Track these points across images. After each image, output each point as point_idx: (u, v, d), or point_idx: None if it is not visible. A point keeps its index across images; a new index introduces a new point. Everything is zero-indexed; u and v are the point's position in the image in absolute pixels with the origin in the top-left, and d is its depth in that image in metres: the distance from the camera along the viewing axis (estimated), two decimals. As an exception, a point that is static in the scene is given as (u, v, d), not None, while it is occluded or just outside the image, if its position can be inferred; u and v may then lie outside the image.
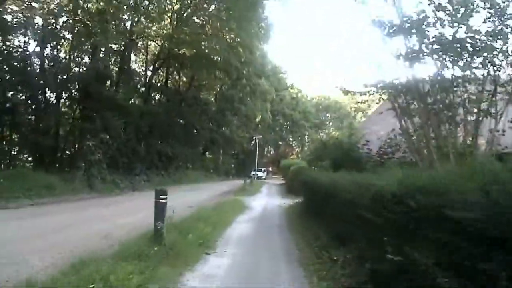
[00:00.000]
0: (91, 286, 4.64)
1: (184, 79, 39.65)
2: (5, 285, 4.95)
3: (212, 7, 30.63)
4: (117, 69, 28.20)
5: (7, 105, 20.69)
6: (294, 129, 62.97)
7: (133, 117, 27.37)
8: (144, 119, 29.43)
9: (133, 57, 32.74)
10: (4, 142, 22.41)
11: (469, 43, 7.34)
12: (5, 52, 20.85)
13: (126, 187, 22.81)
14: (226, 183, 38.37)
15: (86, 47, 25.63)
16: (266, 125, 55.68)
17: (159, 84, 35.32)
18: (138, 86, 32.56)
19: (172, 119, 34.31)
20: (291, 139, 74.99)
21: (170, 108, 34.68)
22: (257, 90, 42.48)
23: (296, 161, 39.22)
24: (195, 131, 37.99)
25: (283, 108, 60.28)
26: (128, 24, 27.77)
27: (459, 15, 7.58)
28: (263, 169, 62.08)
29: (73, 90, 25.23)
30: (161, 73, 35.54)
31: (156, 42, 32.22)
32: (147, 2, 27.11)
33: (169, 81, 36.82)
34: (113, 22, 25.59)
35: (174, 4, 29.24)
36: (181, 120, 36.49)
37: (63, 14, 23.51)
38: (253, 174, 56.69)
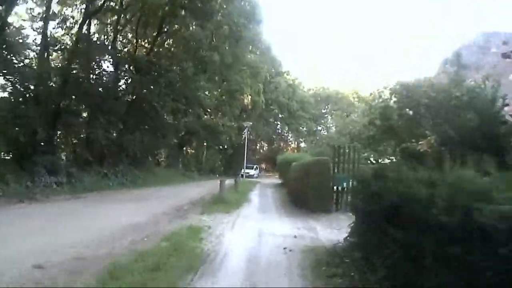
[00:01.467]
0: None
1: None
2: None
3: None
4: None
5: None
6: (291, 120, 54.73)
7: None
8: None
9: None
10: None
11: None
12: None
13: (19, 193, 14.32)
14: (206, 184, 30.20)
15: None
16: (257, 112, 47.56)
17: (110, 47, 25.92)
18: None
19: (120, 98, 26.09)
20: (286, 132, 66.90)
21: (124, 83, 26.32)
22: (242, 37, 30.49)
23: (300, 154, 31.04)
24: (163, 115, 29.44)
25: (278, 96, 52.15)
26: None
27: None
28: (255, 166, 54.02)
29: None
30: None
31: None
32: None
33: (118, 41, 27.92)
34: None
35: None
36: (134, 97, 27.38)
37: None
38: (244, 172, 49.59)
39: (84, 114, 24.48)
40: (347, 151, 13.92)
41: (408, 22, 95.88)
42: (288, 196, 20.68)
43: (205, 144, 41.28)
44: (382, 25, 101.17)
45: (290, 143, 72.48)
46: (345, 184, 12.85)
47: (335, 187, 13.41)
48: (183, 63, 28.22)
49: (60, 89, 20.07)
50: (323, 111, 67.72)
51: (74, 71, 22.03)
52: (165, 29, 28.16)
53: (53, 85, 20.55)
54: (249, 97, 36.43)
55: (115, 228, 8.83)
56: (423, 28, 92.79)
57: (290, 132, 63.59)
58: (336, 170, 13.54)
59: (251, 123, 30.49)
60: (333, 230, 9.24)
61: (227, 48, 29.67)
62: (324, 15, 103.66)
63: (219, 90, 37.31)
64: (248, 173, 51.13)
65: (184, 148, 45.34)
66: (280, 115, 53.73)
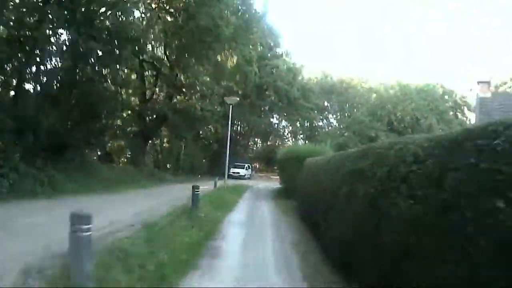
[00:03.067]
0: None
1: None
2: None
3: None
4: None
5: None
6: (291, 110, 45.25)
7: None
8: None
9: None
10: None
11: None
12: None
13: None
14: (172, 191, 20.81)
15: None
16: (249, 88, 37.83)
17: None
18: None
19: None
20: (283, 128, 57.56)
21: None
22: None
23: (313, 147, 21.26)
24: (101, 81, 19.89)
25: (275, 81, 42.73)
26: None
27: None
28: (246, 165, 44.68)
29: None
30: None
31: None
32: None
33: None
34: None
35: None
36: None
37: None
38: (232, 172, 40.17)
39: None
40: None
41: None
42: (303, 220, 11.41)
43: (184, 137, 31.78)
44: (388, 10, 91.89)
45: (286, 139, 63.22)
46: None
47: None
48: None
49: None
50: (326, 104, 58.31)
51: None
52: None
53: None
54: (234, 58, 26.25)
55: None
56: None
57: (288, 124, 54.06)
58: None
59: (237, 98, 20.59)
60: None
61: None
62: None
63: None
64: (238, 173, 41.88)
65: (154, 141, 35.90)
66: (277, 105, 44.07)
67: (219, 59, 25.38)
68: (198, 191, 11.69)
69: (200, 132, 40.40)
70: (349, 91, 58.49)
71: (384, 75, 57.83)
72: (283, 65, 45.25)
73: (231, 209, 14.46)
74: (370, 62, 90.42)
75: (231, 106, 20.27)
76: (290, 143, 64.16)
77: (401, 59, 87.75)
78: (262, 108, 44.97)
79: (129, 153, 32.31)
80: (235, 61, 25.73)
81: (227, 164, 21.02)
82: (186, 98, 29.52)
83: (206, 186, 20.66)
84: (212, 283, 5.74)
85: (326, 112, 60.02)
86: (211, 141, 40.48)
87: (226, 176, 20.34)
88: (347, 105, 59.45)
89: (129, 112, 29.27)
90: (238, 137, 51.49)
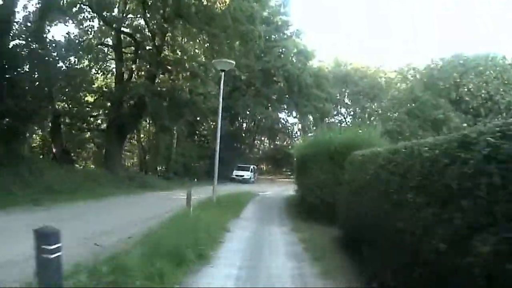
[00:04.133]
0: None
1: None
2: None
3: None
4: None
5: None
6: (302, 101, 38.19)
7: None
8: None
9: None
10: None
11: None
12: None
13: None
14: (136, 205, 14.27)
15: None
16: (254, 75, 30.94)
17: None
18: None
19: None
20: (293, 120, 50.33)
21: None
22: None
23: (357, 134, 13.86)
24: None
25: (284, 65, 35.82)
26: None
27: None
28: (251, 167, 37.94)
29: None
30: None
31: None
32: None
33: None
34: None
35: None
36: None
37: None
38: (236, 175, 36.01)
39: None
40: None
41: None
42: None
43: (168, 128, 24.87)
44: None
45: (296, 138, 56.22)
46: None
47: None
48: None
49: None
50: (338, 96, 51.17)
51: None
52: None
53: None
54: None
55: None
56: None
57: (298, 122, 46.97)
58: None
59: (232, 62, 13.42)
60: None
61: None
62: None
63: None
64: (242, 176, 35.38)
65: (138, 135, 29.28)
66: (286, 93, 36.81)
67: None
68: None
69: (196, 131, 33.70)
70: (365, 80, 51.69)
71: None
72: (293, 48, 38.39)
73: (225, 231, 8.23)
74: (379, 41, 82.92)
75: (222, 74, 13.40)
76: (300, 141, 57.46)
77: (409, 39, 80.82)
78: (269, 99, 37.89)
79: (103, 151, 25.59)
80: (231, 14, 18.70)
81: (217, 164, 14.09)
82: (172, 77, 22.70)
83: (194, 196, 14.16)
84: None
85: (338, 106, 53.23)
86: (209, 138, 33.71)
87: (214, 183, 13.27)
88: (361, 96, 52.39)
89: (99, 97, 22.63)
90: (242, 134, 44.78)
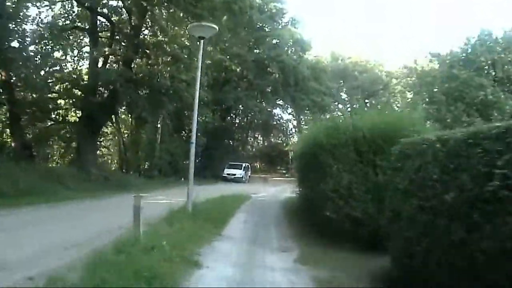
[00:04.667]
0: None
1: None
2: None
3: None
4: None
5: None
6: (299, 94, 35.30)
7: None
8: None
9: None
10: None
11: None
12: None
13: None
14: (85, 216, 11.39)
15: None
16: (247, 65, 28.14)
17: None
18: None
19: None
20: (288, 117, 47.55)
21: None
22: None
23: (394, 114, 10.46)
24: None
25: (279, 55, 32.99)
26: None
27: None
28: (243, 165, 35.10)
29: None
30: None
31: None
32: None
33: None
34: None
35: None
36: None
37: None
38: (227, 174, 33.59)
39: None
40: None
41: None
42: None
43: (146, 122, 21.89)
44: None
45: (291, 136, 53.48)
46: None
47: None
48: None
49: None
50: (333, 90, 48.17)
51: None
52: None
53: None
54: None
55: None
56: None
57: (293, 118, 44.01)
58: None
59: (215, 27, 10.71)
60: None
61: None
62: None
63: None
64: (233, 175, 32.76)
65: (119, 130, 26.34)
66: (281, 85, 33.76)
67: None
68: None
69: (184, 125, 30.71)
70: (364, 75, 49.15)
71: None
72: (289, 38, 35.54)
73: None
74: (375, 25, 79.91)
75: (201, 45, 10.43)
76: (295, 139, 54.76)
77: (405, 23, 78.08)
78: (263, 92, 34.93)
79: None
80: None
81: (192, 159, 11.13)
82: (150, 62, 19.80)
83: (171, 201, 11.50)
84: None
85: (336, 102, 50.48)
86: (197, 134, 30.76)
87: (189, 186, 10.02)
88: (360, 92, 49.61)
89: (70, 86, 19.70)
90: (235, 130, 41.97)
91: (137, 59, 19.43)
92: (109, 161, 31.93)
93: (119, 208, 12.81)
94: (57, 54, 20.85)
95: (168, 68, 19.82)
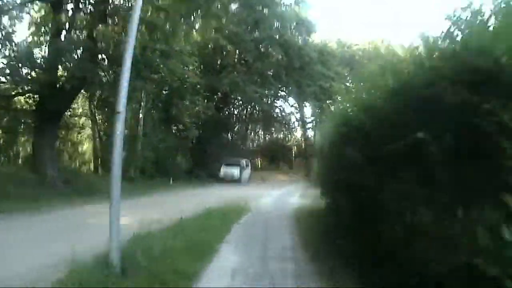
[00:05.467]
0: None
1: None
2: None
3: None
4: None
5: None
6: (305, 80, 30.70)
7: None
8: None
9: None
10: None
11: None
12: None
13: None
14: None
15: None
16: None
17: None
18: None
19: None
20: (291, 103, 42.65)
21: None
22: None
23: None
24: None
25: (282, 35, 28.29)
26: None
27: None
28: (242, 161, 30.46)
29: None
30: None
31: None
32: None
33: None
34: None
35: None
36: None
37: None
38: (224, 174, 28.06)
39: None
40: None
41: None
42: None
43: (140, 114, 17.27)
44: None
45: (294, 129, 49.11)
46: None
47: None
48: None
49: None
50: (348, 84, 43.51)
51: None
52: None
53: None
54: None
55: None
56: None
57: (300, 102, 39.07)
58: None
59: None
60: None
61: None
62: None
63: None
64: (232, 174, 28.41)
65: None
66: (285, 69, 28.98)
67: None
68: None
69: (174, 115, 26.13)
70: (373, 61, 44.50)
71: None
72: (293, 19, 30.77)
73: None
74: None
75: None
76: (297, 134, 50.29)
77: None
78: (263, 76, 30.13)
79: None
80: None
81: (119, 146, 5.74)
82: (116, 29, 15.16)
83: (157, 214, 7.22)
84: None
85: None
86: (188, 125, 26.34)
87: (112, 207, 4.81)
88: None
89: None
90: (233, 122, 37.60)
91: (101, 27, 14.79)
92: (78, 160, 27.22)
93: (50, 233, 8.35)
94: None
95: (139, 36, 15.25)
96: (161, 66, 14.64)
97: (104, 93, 15.49)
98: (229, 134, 37.44)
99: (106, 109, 22.38)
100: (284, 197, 18.08)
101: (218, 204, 11.88)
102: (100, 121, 24.34)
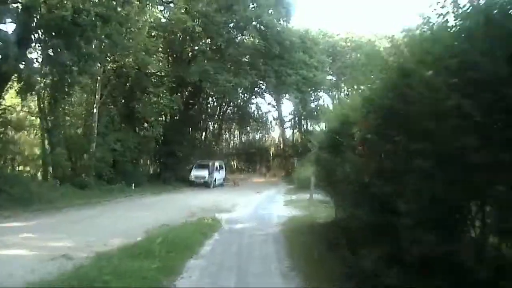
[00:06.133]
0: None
1: None
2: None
3: None
4: None
5: None
6: (285, 68, 26.93)
7: None
8: None
9: None
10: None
11: None
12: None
13: None
14: None
15: None
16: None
17: None
18: None
19: None
20: (267, 100, 38.90)
21: None
22: None
23: None
24: None
25: (259, 16, 24.48)
26: None
27: None
28: (217, 163, 26.72)
29: None
30: None
31: None
32: None
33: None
34: None
35: None
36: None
37: None
38: (195, 177, 24.63)
39: None
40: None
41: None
42: None
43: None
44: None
45: (271, 128, 45.73)
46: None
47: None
48: None
49: None
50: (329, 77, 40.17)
51: None
52: None
53: None
54: None
55: None
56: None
57: (279, 95, 35.26)
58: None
59: None
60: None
61: None
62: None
63: None
64: (204, 177, 24.95)
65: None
66: (263, 54, 25.22)
67: None
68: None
69: (136, 111, 22.12)
70: (358, 52, 41.65)
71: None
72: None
73: None
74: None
75: None
76: (275, 134, 46.84)
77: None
78: (237, 63, 26.21)
79: None
80: None
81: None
82: None
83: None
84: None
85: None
86: (152, 123, 22.36)
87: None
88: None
89: None
90: (205, 118, 34.00)
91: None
92: (18, 163, 22.78)
93: None
94: None
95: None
96: (99, 33, 10.80)
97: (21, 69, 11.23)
98: (201, 134, 33.81)
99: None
100: (265, 204, 14.61)
101: (177, 218, 8.28)
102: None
